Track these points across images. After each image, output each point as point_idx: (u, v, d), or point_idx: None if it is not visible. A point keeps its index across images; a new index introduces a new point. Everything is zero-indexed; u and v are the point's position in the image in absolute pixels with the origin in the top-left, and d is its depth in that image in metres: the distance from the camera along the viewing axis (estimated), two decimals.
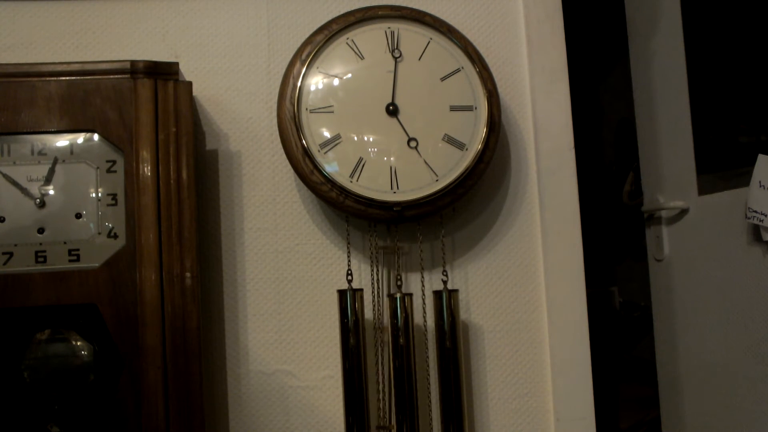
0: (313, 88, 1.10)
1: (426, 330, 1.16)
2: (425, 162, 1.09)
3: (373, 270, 1.17)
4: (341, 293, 1.11)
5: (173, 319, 1.00)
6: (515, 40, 1.26)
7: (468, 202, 1.21)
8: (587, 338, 1.20)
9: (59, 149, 1.04)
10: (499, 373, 1.20)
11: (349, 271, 1.13)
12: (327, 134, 1.09)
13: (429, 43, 1.13)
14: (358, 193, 1.07)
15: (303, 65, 1.10)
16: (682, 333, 1.55)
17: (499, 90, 1.16)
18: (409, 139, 1.10)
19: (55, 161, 1.04)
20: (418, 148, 1.10)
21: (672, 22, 1.54)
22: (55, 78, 1.03)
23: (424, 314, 1.16)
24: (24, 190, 1.03)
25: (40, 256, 1.02)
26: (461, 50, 1.13)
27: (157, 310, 1.00)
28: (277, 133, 1.12)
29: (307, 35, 1.14)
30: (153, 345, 0.99)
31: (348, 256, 1.16)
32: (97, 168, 1.04)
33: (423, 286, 1.17)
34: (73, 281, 1.00)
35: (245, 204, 1.20)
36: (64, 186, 1.03)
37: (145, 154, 1.03)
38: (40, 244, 1.02)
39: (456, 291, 1.14)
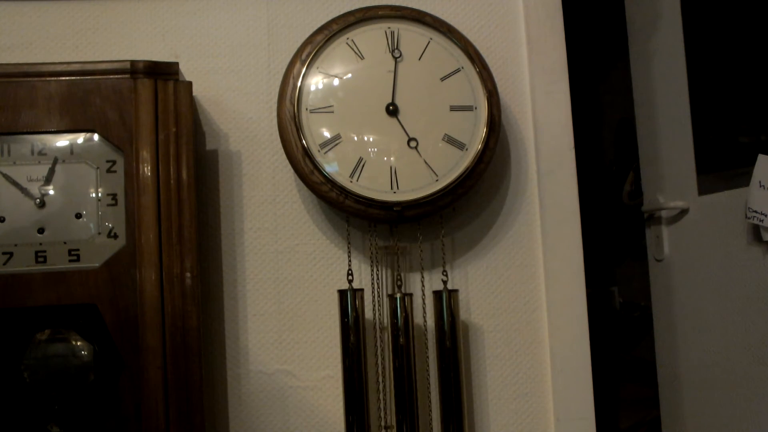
0: (313, 88, 1.10)
1: (426, 330, 1.16)
2: (425, 162, 1.09)
3: (373, 270, 1.17)
4: (341, 293, 1.11)
5: (173, 319, 1.00)
6: (515, 40, 1.26)
7: (468, 202, 1.21)
8: (587, 338, 1.20)
9: (59, 149, 1.04)
10: (499, 373, 1.20)
11: (350, 271, 1.13)
12: (327, 134, 1.09)
13: (429, 43, 1.13)
14: (358, 193, 1.07)
15: (303, 65, 1.10)
16: (682, 333, 1.55)
17: (499, 90, 1.16)
18: (409, 139, 1.10)
19: (55, 161, 1.04)
20: (418, 148, 1.10)
21: (672, 22, 1.54)
22: (55, 78, 1.03)
23: (424, 314, 1.16)
24: (24, 190, 1.03)
25: (40, 256, 1.02)
26: (461, 50, 1.13)
27: (157, 310, 1.00)
28: (277, 133, 1.12)
29: (307, 35, 1.14)
30: (153, 345, 0.99)
31: (348, 256, 1.16)
32: (97, 168, 1.04)
33: (423, 286, 1.17)
34: (73, 281, 1.00)
35: (245, 204, 1.20)
36: (64, 186, 1.03)
37: (145, 154, 1.03)
38: (40, 244, 1.02)
39: (456, 291, 1.14)
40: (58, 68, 1.04)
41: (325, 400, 1.18)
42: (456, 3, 1.25)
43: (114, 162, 1.04)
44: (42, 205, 1.03)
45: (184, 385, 1.00)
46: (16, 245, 1.02)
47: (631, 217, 1.89)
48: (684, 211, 1.53)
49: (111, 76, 1.04)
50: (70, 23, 1.21)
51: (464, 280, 1.21)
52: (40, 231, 1.02)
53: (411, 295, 1.13)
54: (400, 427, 1.10)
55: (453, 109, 1.11)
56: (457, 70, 1.12)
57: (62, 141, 1.04)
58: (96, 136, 1.04)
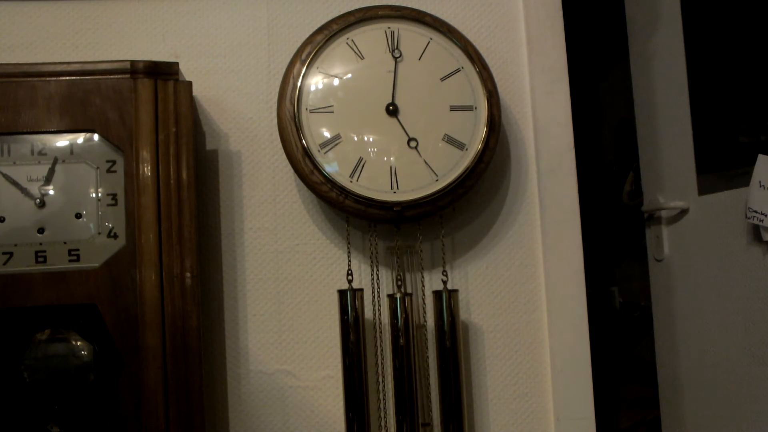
0: (313, 88, 1.10)
1: (426, 330, 1.16)
2: (425, 162, 1.09)
3: (373, 270, 1.17)
4: (341, 293, 1.11)
5: (173, 319, 1.00)
6: (515, 40, 1.26)
7: (468, 202, 1.21)
8: (587, 338, 1.20)
9: (59, 149, 1.04)
10: (499, 373, 1.20)
11: (350, 271, 1.13)
12: (327, 134, 1.09)
13: (429, 43, 1.13)
14: (358, 193, 1.07)
15: (303, 65, 1.10)
16: (682, 333, 1.55)
17: (499, 90, 1.16)
18: (409, 139, 1.10)
19: (55, 161, 1.04)
20: (418, 148, 1.10)
21: (672, 22, 1.54)
22: (55, 78, 1.03)
23: (424, 314, 1.16)
24: (24, 190, 1.03)
25: (40, 256, 1.02)
26: (461, 50, 1.13)
27: (157, 310, 1.00)
28: (277, 133, 1.12)
29: (307, 35, 1.14)
30: (153, 345, 0.99)
31: (348, 256, 1.16)
32: (97, 168, 1.04)
33: (423, 286, 1.17)
34: (73, 281, 1.00)
35: (245, 204, 1.20)
36: (64, 186, 1.03)
37: (145, 154, 1.03)
38: (40, 244, 1.02)
39: (456, 291, 1.14)
40: (58, 68, 1.04)
41: (325, 400, 1.18)
42: (456, 3, 1.25)
43: (114, 162, 1.04)
44: (42, 205, 1.03)
45: (184, 385, 1.00)
46: (16, 245, 1.02)
47: (631, 217, 1.89)
48: (684, 211, 1.53)
49: (111, 76, 1.04)
50: (70, 23, 1.21)
51: (464, 280, 1.21)
52: (40, 231, 1.02)
53: (411, 295, 1.13)
54: (400, 427, 1.10)
55: (453, 109, 1.11)
56: (457, 70, 1.12)
57: (62, 141, 1.04)
58: (96, 136, 1.04)
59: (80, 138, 1.04)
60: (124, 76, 1.04)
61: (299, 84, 1.09)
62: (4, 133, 1.02)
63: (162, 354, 1.00)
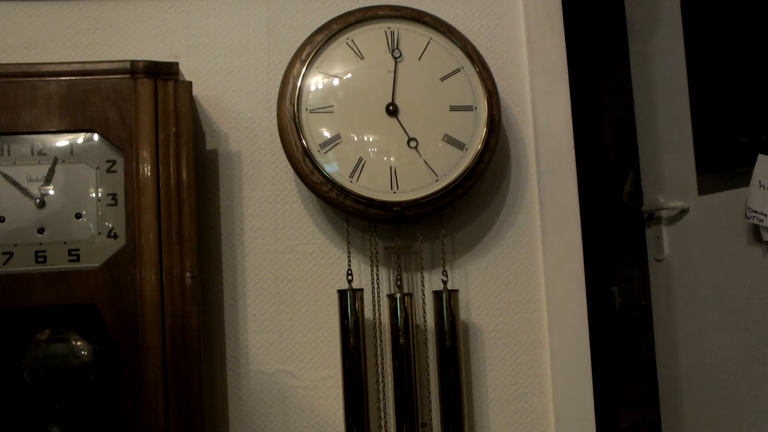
0: (313, 88, 1.10)
1: (426, 330, 1.17)
2: (425, 162, 1.09)
3: (373, 270, 1.17)
4: (341, 293, 1.11)
5: (173, 319, 1.00)
6: (515, 40, 1.26)
7: (468, 202, 1.21)
8: (587, 338, 1.20)
9: (59, 149, 1.04)
10: (499, 373, 1.20)
11: (349, 271, 1.13)
12: (327, 134, 1.09)
13: (429, 43, 1.13)
14: (358, 193, 1.07)
15: (303, 65, 1.10)
16: (682, 333, 1.55)
17: (499, 90, 1.16)
18: (409, 139, 1.10)
19: (55, 161, 1.04)
20: (418, 148, 1.10)
21: (672, 22, 1.54)
22: (55, 78, 1.03)
23: (424, 314, 1.16)
24: (24, 190, 1.03)
25: (40, 256, 1.02)
26: (461, 50, 1.13)
27: (157, 310, 1.00)
28: (277, 133, 1.12)
29: (307, 35, 1.14)
30: (153, 345, 0.99)
31: (348, 256, 1.16)
32: (97, 168, 1.04)
33: (423, 286, 1.17)
34: (73, 281, 1.00)
35: (245, 204, 1.20)
36: (64, 186, 1.03)
37: (145, 154, 1.03)
38: (40, 244, 1.02)
39: (456, 291, 1.14)
40: (58, 68, 1.04)
41: (325, 400, 1.18)
42: (456, 3, 1.25)
43: (114, 162, 1.04)
44: (42, 205, 1.03)
45: (184, 385, 1.00)
46: (16, 245, 1.02)
47: (631, 217, 1.89)
48: (684, 211, 1.53)
49: (111, 76, 1.04)
50: (70, 23, 1.21)
51: (464, 280, 1.21)
52: (40, 231, 1.02)
53: (411, 295, 1.13)
54: (400, 427, 1.10)
55: (453, 109, 1.11)
56: (457, 70, 1.12)
57: (62, 141, 1.04)
58: (96, 136, 1.04)
59: (80, 138, 1.04)
60: (124, 76, 1.04)
61: (299, 84, 1.09)
62: (4, 133, 1.02)
63: (162, 354, 1.00)
